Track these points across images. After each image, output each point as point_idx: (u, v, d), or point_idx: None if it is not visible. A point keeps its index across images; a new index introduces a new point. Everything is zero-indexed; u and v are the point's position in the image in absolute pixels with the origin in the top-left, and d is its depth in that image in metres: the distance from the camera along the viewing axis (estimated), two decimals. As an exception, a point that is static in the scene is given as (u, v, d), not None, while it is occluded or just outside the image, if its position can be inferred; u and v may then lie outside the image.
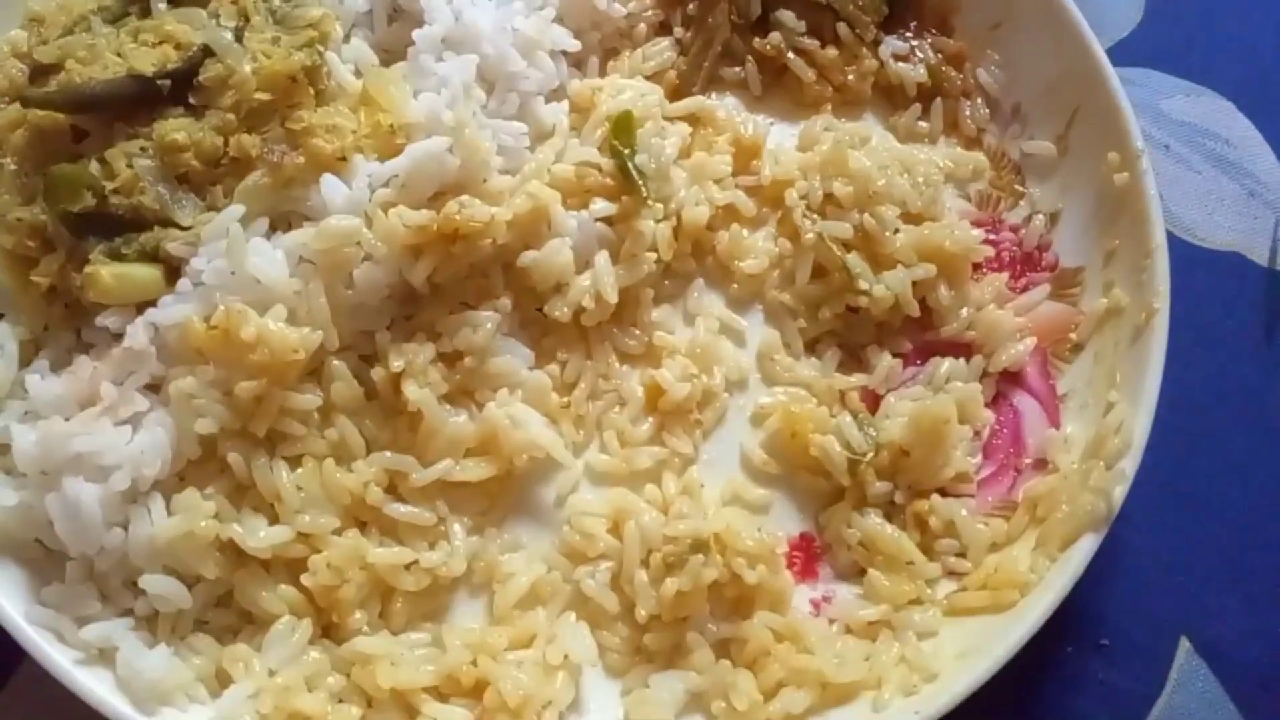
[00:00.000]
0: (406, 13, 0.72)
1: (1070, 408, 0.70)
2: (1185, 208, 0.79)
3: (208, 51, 0.66)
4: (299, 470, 0.63)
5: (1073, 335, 0.72)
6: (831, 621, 0.66)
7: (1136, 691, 0.67)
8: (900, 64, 0.80)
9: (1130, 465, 0.63)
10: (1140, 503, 0.67)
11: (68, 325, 0.66)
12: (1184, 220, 0.79)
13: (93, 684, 0.57)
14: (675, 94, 0.78)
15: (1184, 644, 0.68)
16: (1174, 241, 0.70)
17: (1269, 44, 0.86)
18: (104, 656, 0.59)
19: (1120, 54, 0.83)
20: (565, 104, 0.74)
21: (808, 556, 0.68)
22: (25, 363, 0.65)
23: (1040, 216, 0.75)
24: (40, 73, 0.67)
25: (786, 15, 0.79)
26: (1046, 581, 0.61)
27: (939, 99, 0.79)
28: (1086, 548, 0.61)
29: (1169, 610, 0.69)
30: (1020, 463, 0.70)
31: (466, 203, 0.65)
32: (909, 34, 0.81)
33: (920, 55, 0.80)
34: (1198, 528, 0.71)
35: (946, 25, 0.82)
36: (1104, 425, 0.65)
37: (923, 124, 0.79)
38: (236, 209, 0.63)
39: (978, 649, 0.61)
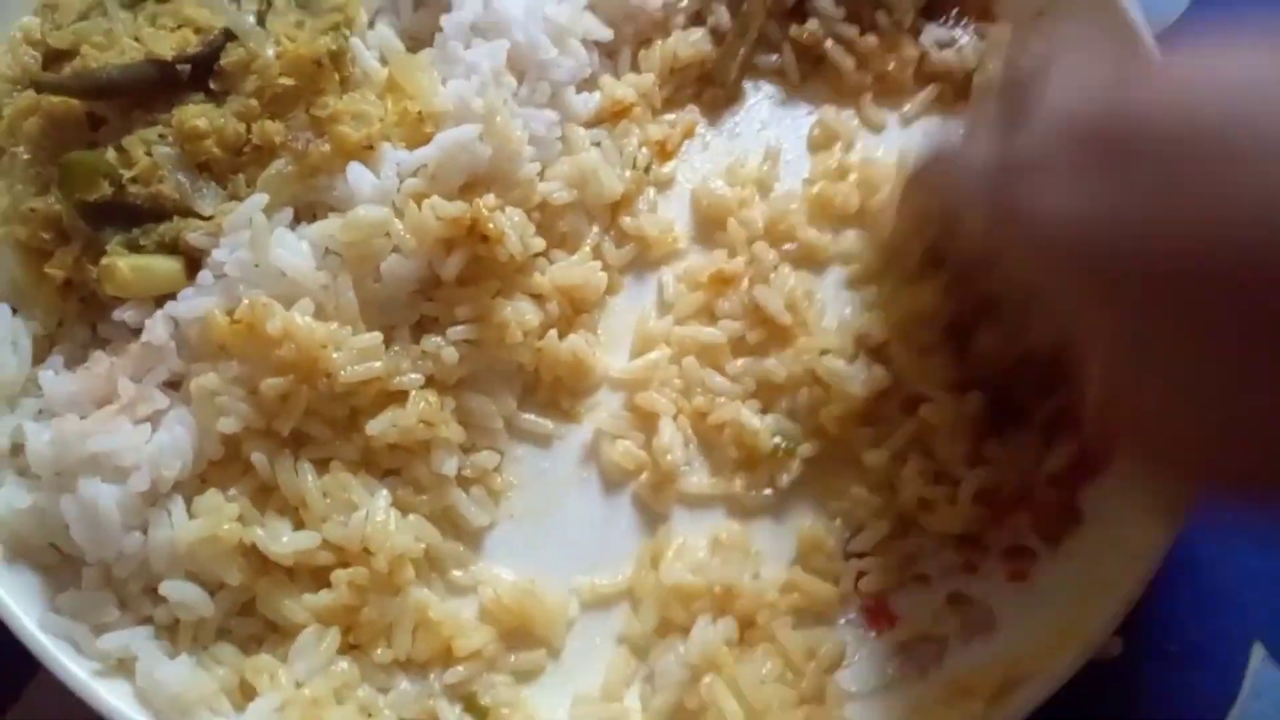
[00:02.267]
0: (433, 0, 0.72)
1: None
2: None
3: (229, 35, 0.66)
4: (325, 476, 0.62)
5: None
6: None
7: (1210, 698, 0.67)
8: (943, 51, 0.79)
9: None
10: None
11: (83, 320, 0.65)
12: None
13: (111, 697, 0.56)
14: (709, 83, 0.78)
15: (1258, 651, 0.68)
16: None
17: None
18: (123, 667, 0.58)
19: (1167, 41, 0.82)
20: (597, 94, 0.74)
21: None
22: (39, 359, 0.64)
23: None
24: (54, 59, 0.67)
25: (824, 2, 0.78)
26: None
27: (982, 85, 0.79)
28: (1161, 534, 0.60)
29: (1240, 619, 0.68)
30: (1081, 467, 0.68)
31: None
32: (951, 20, 0.81)
33: (963, 42, 0.80)
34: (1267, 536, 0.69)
35: (989, 13, 0.81)
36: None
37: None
38: (260, 198, 0.63)
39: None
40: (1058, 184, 0.48)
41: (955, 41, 0.80)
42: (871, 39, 0.79)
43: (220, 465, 0.61)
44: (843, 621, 0.65)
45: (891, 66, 0.79)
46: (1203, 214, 0.43)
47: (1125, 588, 0.60)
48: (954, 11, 0.81)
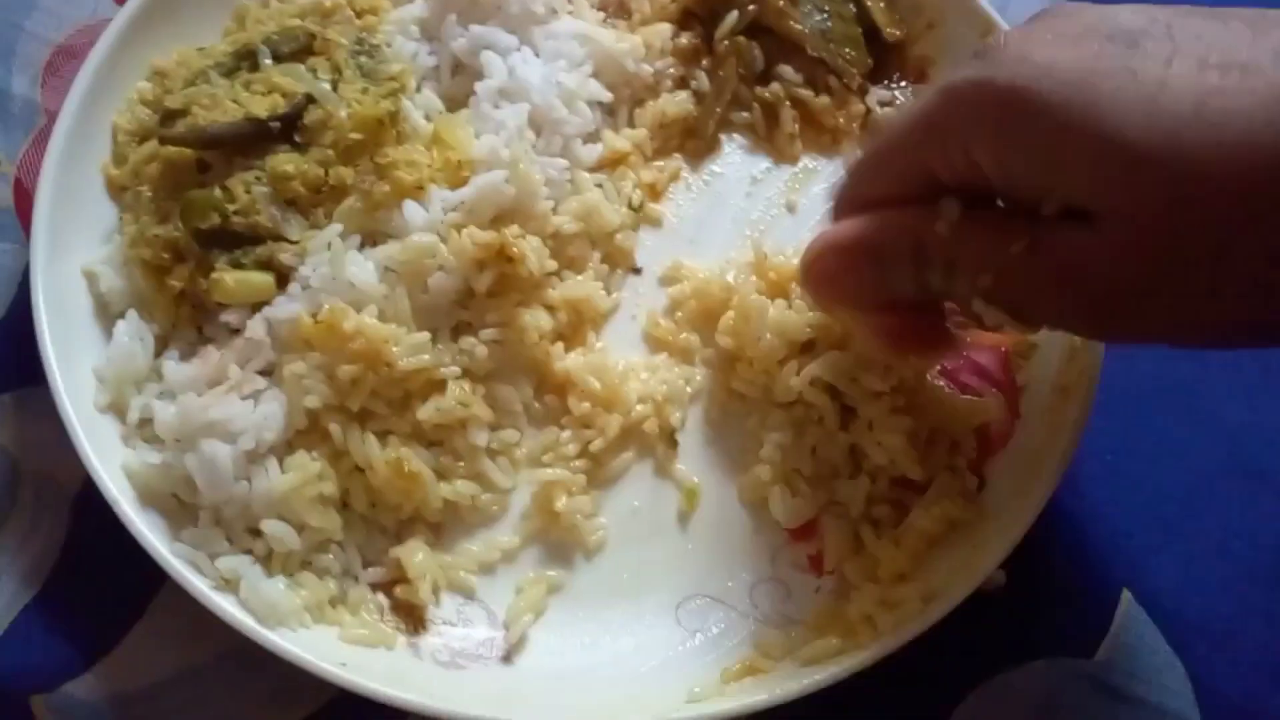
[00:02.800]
0: (467, 68, 0.88)
1: (1028, 397, 0.84)
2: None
3: (310, 99, 0.81)
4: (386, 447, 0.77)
5: (1032, 338, 0.86)
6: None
7: (1085, 634, 0.79)
8: (885, 109, 0.95)
9: (1075, 434, 0.76)
10: (1086, 478, 0.82)
11: (192, 323, 0.80)
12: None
13: (225, 604, 0.71)
14: (691, 135, 0.94)
15: (1126, 595, 0.80)
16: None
17: None
18: (230, 585, 0.73)
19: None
20: (600, 145, 0.90)
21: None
22: (157, 354, 0.80)
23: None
24: (169, 117, 0.82)
25: (786, 69, 0.94)
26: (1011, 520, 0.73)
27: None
28: (1040, 495, 0.73)
29: (1113, 567, 0.81)
30: (986, 445, 0.83)
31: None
32: (892, 83, 0.97)
33: (902, 100, 0.96)
34: (1138, 500, 0.83)
35: (925, 76, 0.97)
36: (1056, 406, 0.79)
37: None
38: (336, 227, 0.78)
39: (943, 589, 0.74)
40: (1046, 46, 0.51)
41: (895, 100, 0.95)
42: (825, 99, 0.95)
43: (304, 434, 0.76)
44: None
45: (841, 120, 0.96)
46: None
47: (1012, 532, 0.73)
48: (895, 75, 0.98)
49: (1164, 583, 0.81)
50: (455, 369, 0.79)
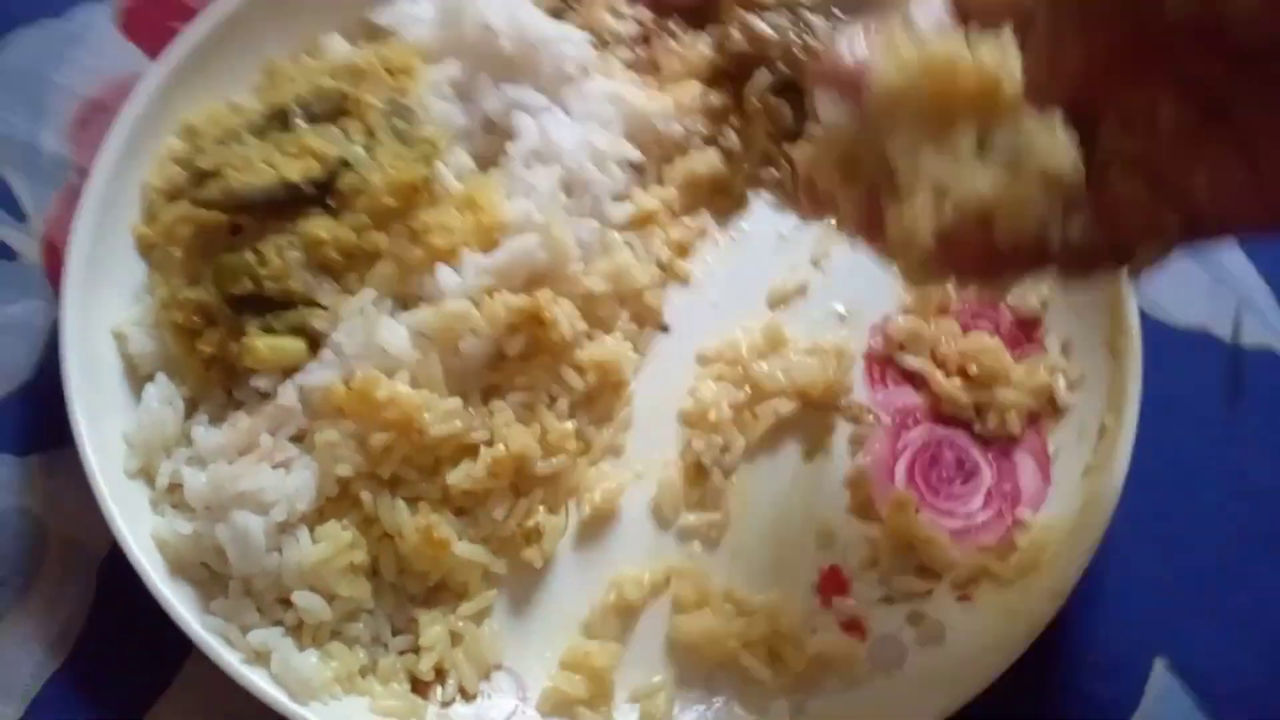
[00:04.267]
0: (499, 128, 0.88)
1: (1058, 464, 0.84)
2: (1158, 289, 0.91)
3: (344, 163, 0.81)
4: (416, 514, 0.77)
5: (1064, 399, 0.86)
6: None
7: (1118, 704, 0.79)
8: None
9: (1109, 501, 0.76)
10: (1119, 543, 0.81)
11: (222, 386, 0.80)
12: (1156, 300, 0.91)
13: (257, 679, 0.71)
14: (720, 193, 0.94)
15: (1159, 664, 0.80)
16: (1146, 320, 0.82)
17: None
18: (260, 659, 0.73)
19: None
20: (629, 204, 0.90)
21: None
22: (186, 417, 0.79)
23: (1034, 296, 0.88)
24: (201, 178, 0.82)
25: (815, 128, 0.95)
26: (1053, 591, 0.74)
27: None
28: (1077, 566, 0.73)
29: (1145, 636, 0.81)
30: (1015, 512, 0.83)
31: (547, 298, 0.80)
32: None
33: None
34: (1171, 566, 0.83)
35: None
36: (1089, 475, 0.79)
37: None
38: (369, 293, 0.78)
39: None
40: None
41: None
42: (855, 158, 0.95)
43: (334, 501, 0.76)
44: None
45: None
46: None
47: (1045, 608, 0.74)
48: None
49: (1198, 652, 0.81)
50: (485, 433, 0.79)
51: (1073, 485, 0.80)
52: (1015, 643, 0.74)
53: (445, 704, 0.75)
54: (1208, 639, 0.82)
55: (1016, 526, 0.81)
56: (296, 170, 0.80)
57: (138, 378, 0.81)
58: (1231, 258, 0.93)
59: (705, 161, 0.93)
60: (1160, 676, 0.80)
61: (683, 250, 0.92)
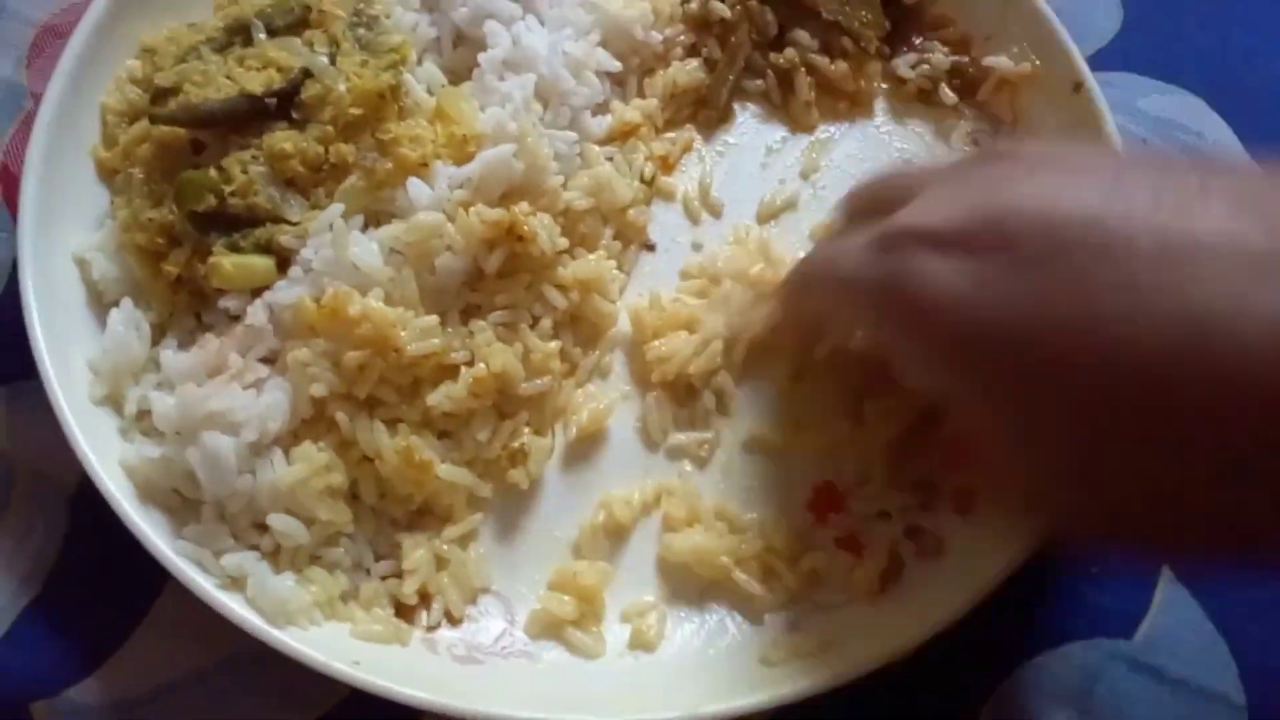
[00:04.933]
0: (469, 39, 0.85)
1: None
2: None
3: (307, 73, 0.78)
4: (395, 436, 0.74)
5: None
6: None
7: (1124, 613, 0.77)
8: (917, 69, 0.91)
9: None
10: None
11: (190, 310, 0.77)
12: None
13: (232, 604, 0.69)
14: (703, 105, 0.91)
15: (1165, 572, 0.78)
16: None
17: (1235, 47, 0.98)
18: (236, 584, 0.70)
19: (1100, 60, 0.95)
20: (609, 117, 0.87)
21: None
22: (154, 343, 0.77)
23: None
24: (160, 95, 0.79)
25: (800, 34, 0.91)
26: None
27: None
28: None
29: None
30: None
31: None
32: (915, 46, 0.93)
33: (931, 60, 0.91)
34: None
35: (945, 22, 0.93)
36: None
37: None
38: (337, 207, 0.75)
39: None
40: (942, 263, 0.49)
41: (924, 61, 0.91)
42: (841, 65, 0.92)
43: (310, 424, 0.73)
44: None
45: (862, 84, 0.92)
46: (1071, 307, 0.46)
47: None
48: (915, 37, 0.95)
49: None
50: (465, 353, 0.76)
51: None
52: (1015, 554, 0.71)
53: (430, 628, 0.73)
54: (1215, 547, 0.79)
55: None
56: (258, 82, 0.78)
57: (102, 305, 0.78)
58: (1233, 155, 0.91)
59: (687, 72, 0.90)
60: (1167, 586, 0.78)
61: (667, 165, 0.89)
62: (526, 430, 0.79)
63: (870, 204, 0.60)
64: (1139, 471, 0.47)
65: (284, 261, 0.76)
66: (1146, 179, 0.47)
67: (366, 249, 0.74)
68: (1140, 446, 0.46)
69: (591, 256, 0.83)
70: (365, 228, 0.77)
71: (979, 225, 0.49)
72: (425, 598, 0.75)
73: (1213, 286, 0.43)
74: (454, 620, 0.75)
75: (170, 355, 0.74)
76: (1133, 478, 0.47)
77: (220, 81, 0.78)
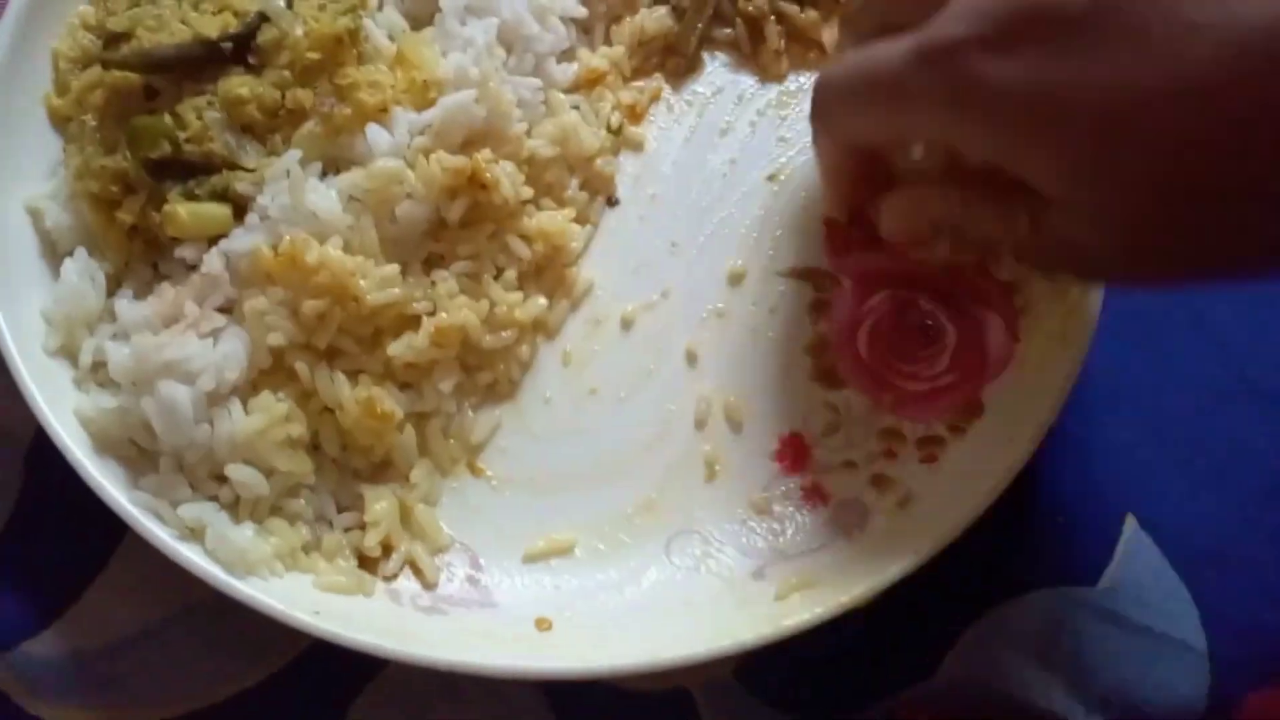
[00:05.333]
0: (431, -16, 0.84)
1: (1027, 321, 0.81)
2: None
3: (263, 17, 0.76)
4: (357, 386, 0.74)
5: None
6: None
7: (1088, 561, 0.78)
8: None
9: (1077, 358, 0.74)
10: (1087, 403, 0.79)
11: (146, 259, 0.76)
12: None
13: (190, 554, 0.68)
14: (672, 53, 0.90)
15: (1129, 521, 0.79)
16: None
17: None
18: (195, 535, 0.70)
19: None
20: (575, 65, 0.86)
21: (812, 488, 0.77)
22: (110, 294, 0.76)
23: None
24: (113, 40, 0.78)
25: (770, -21, 0.90)
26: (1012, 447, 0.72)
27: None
28: (1043, 422, 0.71)
29: (1116, 492, 0.79)
30: (984, 371, 0.81)
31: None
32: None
33: None
34: (1140, 424, 0.81)
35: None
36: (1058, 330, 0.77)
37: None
38: (295, 153, 0.74)
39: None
40: (1002, 62, 0.51)
41: None
42: (812, 13, 0.91)
43: (269, 374, 0.72)
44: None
45: (828, 36, 0.91)
46: (1117, 76, 0.49)
47: (1012, 460, 0.72)
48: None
49: (1168, 508, 0.79)
50: (427, 304, 0.75)
51: (1042, 342, 0.78)
52: (980, 499, 0.71)
53: (388, 578, 0.73)
54: (1177, 495, 0.80)
55: (983, 387, 0.79)
56: (213, 27, 0.77)
57: (56, 254, 0.77)
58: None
59: (655, 19, 0.89)
60: (1131, 533, 0.79)
61: (635, 115, 0.88)
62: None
63: (880, 24, 0.60)
64: (1208, 205, 0.50)
65: (240, 209, 0.75)
66: None
67: (324, 196, 0.74)
68: (1215, 175, 0.49)
69: (558, 213, 0.83)
70: (324, 175, 0.76)
71: (1025, 19, 0.51)
72: (388, 549, 0.74)
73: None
74: (425, 582, 0.74)
75: (126, 305, 0.73)
76: (1201, 214, 0.51)
77: (175, 26, 0.77)
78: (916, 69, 0.55)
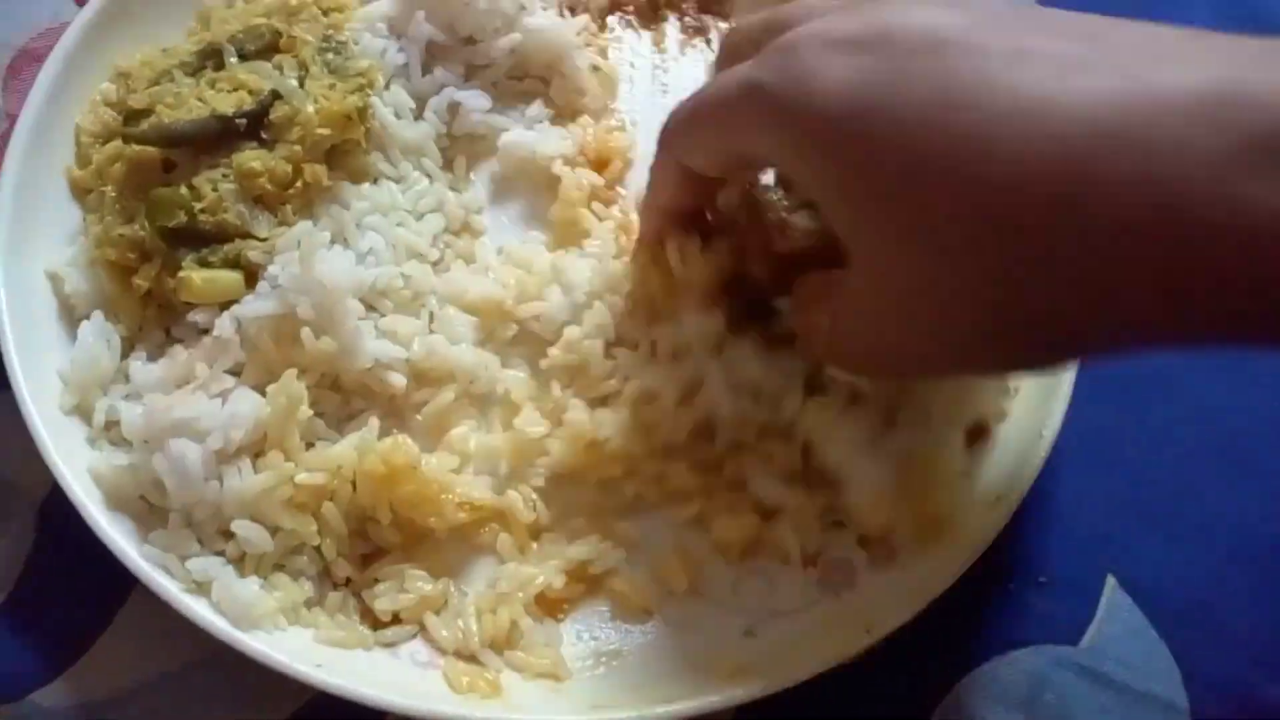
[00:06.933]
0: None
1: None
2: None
3: (276, 95, 0.82)
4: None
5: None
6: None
7: (1070, 621, 0.80)
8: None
9: (1054, 427, 0.78)
10: (1067, 464, 0.83)
11: (159, 324, 0.81)
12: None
13: (197, 607, 0.71)
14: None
15: (1110, 581, 0.82)
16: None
17: None
18: (202, 589, 0.73)
19: None
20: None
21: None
22: (124, 356, 0.80)
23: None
24: (133, 116, 0.83)
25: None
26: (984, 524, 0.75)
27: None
28: (1024, 482, 0.74)
29: (1097, 553, 0.82)
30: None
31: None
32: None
33: None
34: (1121, 485, 0.84)
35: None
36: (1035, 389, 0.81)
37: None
38: (306, 224, 0.80)
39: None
40: (834, 57, 0.52)
41: None
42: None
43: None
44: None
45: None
46: (930, 93, 0.49)
47: (995, 520, 0.75)
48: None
49: (1149, 568, 0.82)
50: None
51: (1020, 401, 0.81)
52: (962, 559, 0.74)
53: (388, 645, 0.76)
54: (1158, 556, 0.83)
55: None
56: (228, 104, 0.82)
57: (74, 318, 0.82)
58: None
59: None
60: (1112, 593, 0.81)
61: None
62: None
63: (755, 44, 0.60)
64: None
65: (252, 276, 0.79)
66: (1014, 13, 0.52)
67: (332, 267, 0.78)
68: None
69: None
70: (332, 245, 0.80)
71: (870, 31, 0.52)
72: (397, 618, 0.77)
73: (1042, 72, 0.48)
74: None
75: (139, 367, 0.77)
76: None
77: (192, 103, 0.82)
78: (752, 68, 0.56)
